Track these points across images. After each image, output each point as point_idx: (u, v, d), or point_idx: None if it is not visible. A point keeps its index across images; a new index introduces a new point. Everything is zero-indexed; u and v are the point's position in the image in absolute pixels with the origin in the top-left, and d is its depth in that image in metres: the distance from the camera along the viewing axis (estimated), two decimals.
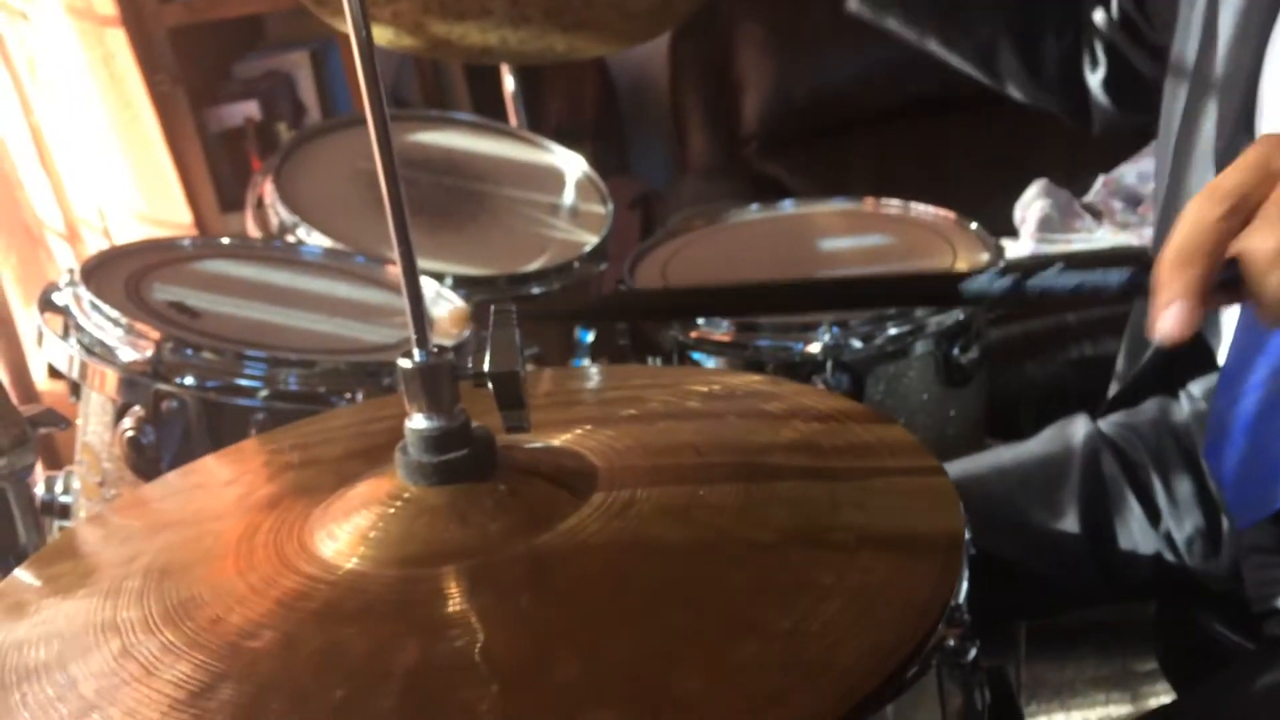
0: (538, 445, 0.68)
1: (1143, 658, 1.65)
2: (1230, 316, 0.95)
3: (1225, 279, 0.57)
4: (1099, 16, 1.16)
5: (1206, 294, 0.56)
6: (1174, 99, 1.00)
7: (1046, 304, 0.58)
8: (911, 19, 1.20)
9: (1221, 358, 0.99)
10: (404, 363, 0.62)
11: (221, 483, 0.79)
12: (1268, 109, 0.90)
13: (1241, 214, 0.57)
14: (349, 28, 0.59)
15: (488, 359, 0.62)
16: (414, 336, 0.62)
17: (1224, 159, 0.94)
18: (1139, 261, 0.59)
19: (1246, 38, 0.90)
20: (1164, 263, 0.57)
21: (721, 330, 1.26)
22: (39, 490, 1.16)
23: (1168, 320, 0.57)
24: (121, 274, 1.13)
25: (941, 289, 0.64)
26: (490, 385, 0.62)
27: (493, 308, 0.64)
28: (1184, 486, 0.99)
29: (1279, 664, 0.82)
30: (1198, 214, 0.57)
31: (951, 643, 0.54)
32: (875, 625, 0.50)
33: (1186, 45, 0.99)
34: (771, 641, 0.50)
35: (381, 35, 1.50)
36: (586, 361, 1.41)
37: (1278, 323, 0.57)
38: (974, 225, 1.38)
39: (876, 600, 0.52)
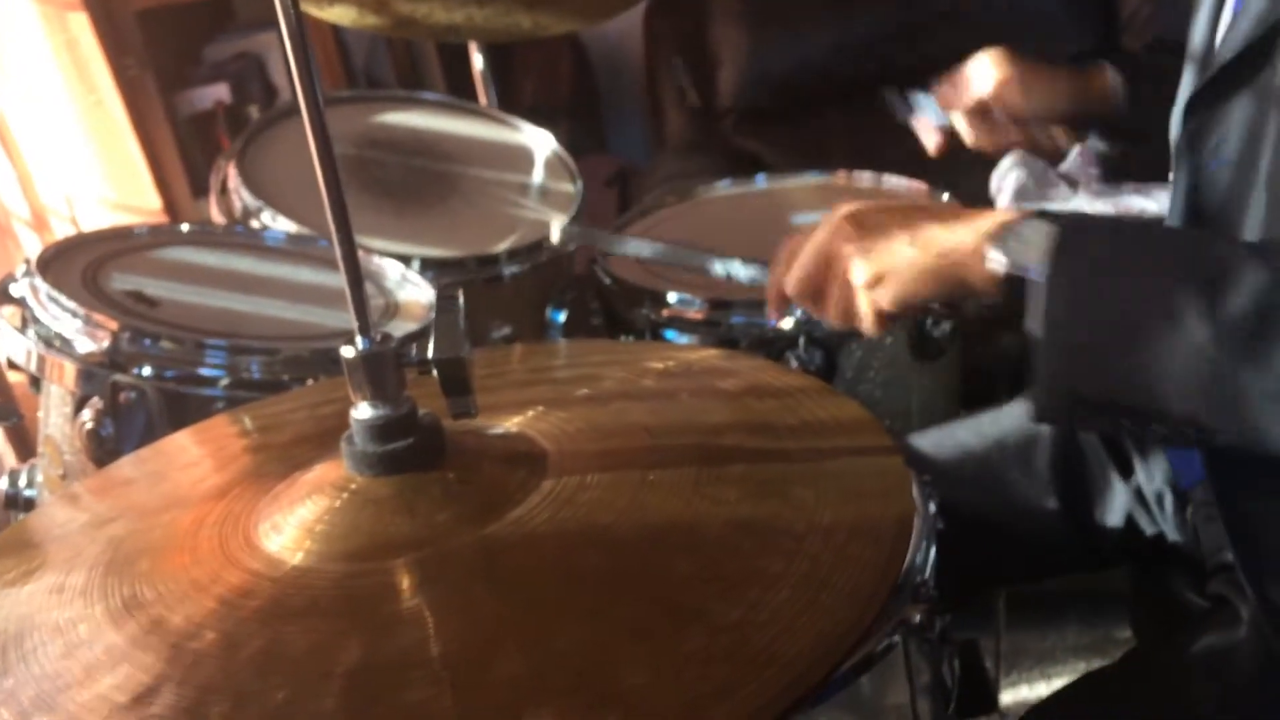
0: (488, 430, 0.67)
1: (1123, 625, 1.64)
2: None
3: None
4: None
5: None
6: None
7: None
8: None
9: None
10: (347, 351, 0.61)
11: (177, 467, 0.78)
12: None
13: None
14: (278, 10, 0.57)
15: (431, 345, 0.61)
16: (355, 324, 0.61)
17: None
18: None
19: (1210, 19, 0.90)
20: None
21: (694, 308, 1.24)
22: (2, 483, 1.15)
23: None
24: (79, 264, 1.11)
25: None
26: (435, 372, 0.61)
27: (438, 293, 0.62)
28: (1155, 446, 0.99)
29: (1217, 626, 0.82)
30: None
31: (918, 618, 0.53)
32: (822, 613, 0.49)
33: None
34: (719, 633, 0.49)
35: (345, 14, 1.47)
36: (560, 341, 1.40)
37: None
38: (945, 196, 1.37)
39: (824, 588, 0.51)
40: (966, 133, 1.18)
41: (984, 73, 1.14)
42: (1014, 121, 1.14)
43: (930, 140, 1.21)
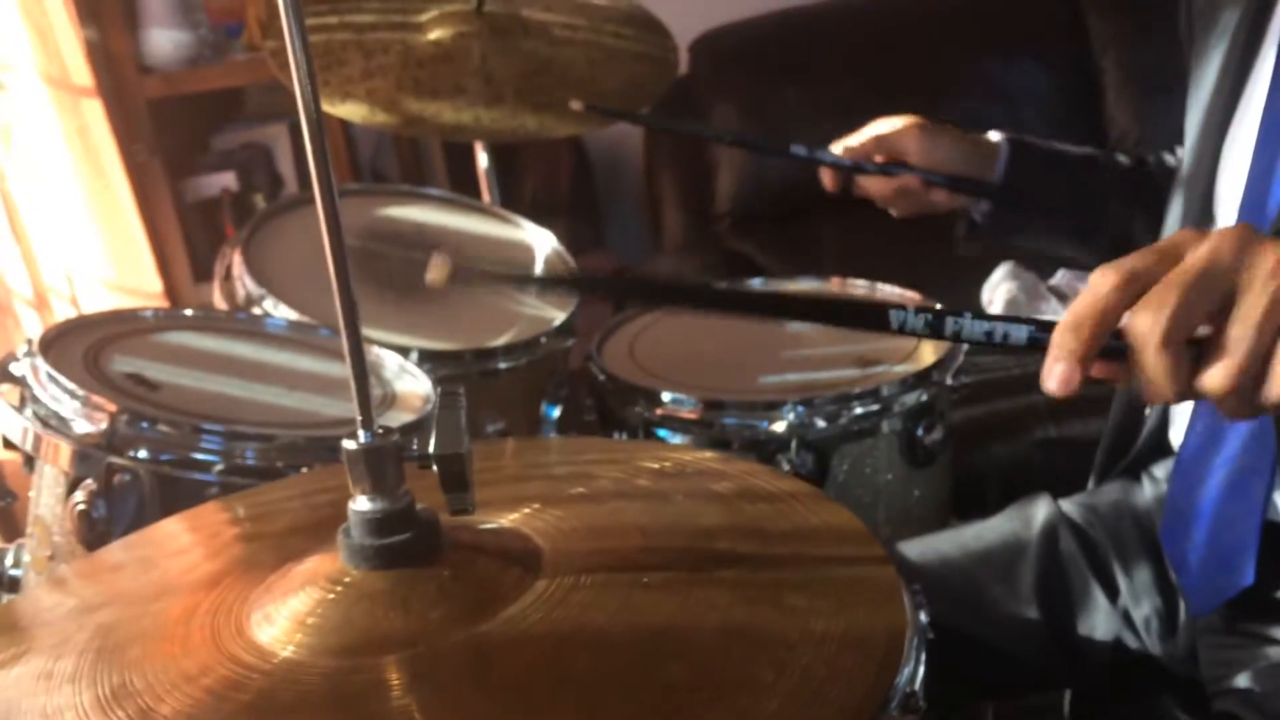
0: (484, 526, 0.67)
1: None
2: (1184, 405, 0.96)
3: (1111, 347, 0.61)
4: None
5: (1089, 359, 0.60)
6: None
7: (966, 344, 0.72)
8: (1043, 232, 1.28)
9: (1177, 443, 0.99)
10: (348, 444, 0.62)
11: (167, 554, 0.78)
12: (1224, 202, 0.93)
13: (1134, 289, 0.60)
14: (300, 108, 0.59)
15: (433, 441, 0.62)
16: (359, 418, 0.62)
17: None
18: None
19: (1207, 137, 0.93)
20: (1060, 324, 0.61)
21: (688, 408, 1.26)
22: None
23: (1050, 377, 0.61)
24: (81, 345, 1.12)
25: (870, 315, 0.69)
26: (435, 467, 0.62)
27: (439, 390, 0.64)
28: (1142, 569, 1.00)
29: None
30: (1094, 285, 0.61)
31: None
32: None
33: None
34: None
35: (356, 111, 1.51)
36: (553, 435, 1.41)
37: (1156, 398, 0.61)
38: (938, 307, 1.39)
39: (814, 700, 0.51)
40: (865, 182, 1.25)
41: (891, 122, 1.22)
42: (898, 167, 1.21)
43: (827, 177, 1.29)
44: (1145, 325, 0.59)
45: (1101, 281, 0.60)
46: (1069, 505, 1.06)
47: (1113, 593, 1.00)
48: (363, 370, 0.62)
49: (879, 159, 1.23)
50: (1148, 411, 1.03)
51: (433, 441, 0.62)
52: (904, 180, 1.22)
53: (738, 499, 0.70)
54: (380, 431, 0.62)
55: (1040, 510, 1.06)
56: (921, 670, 0.57)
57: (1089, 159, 1.26)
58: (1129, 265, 0.60)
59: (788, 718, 0.50)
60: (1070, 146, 1.27)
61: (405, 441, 0.62)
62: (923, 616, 0.62)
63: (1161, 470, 1.05)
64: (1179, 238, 0.61)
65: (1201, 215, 0.96)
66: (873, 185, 1.24)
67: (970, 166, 1.20)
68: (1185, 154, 0.99)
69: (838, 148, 1.27)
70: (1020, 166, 1.20)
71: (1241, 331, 0.57)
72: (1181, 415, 0.99)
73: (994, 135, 1.23)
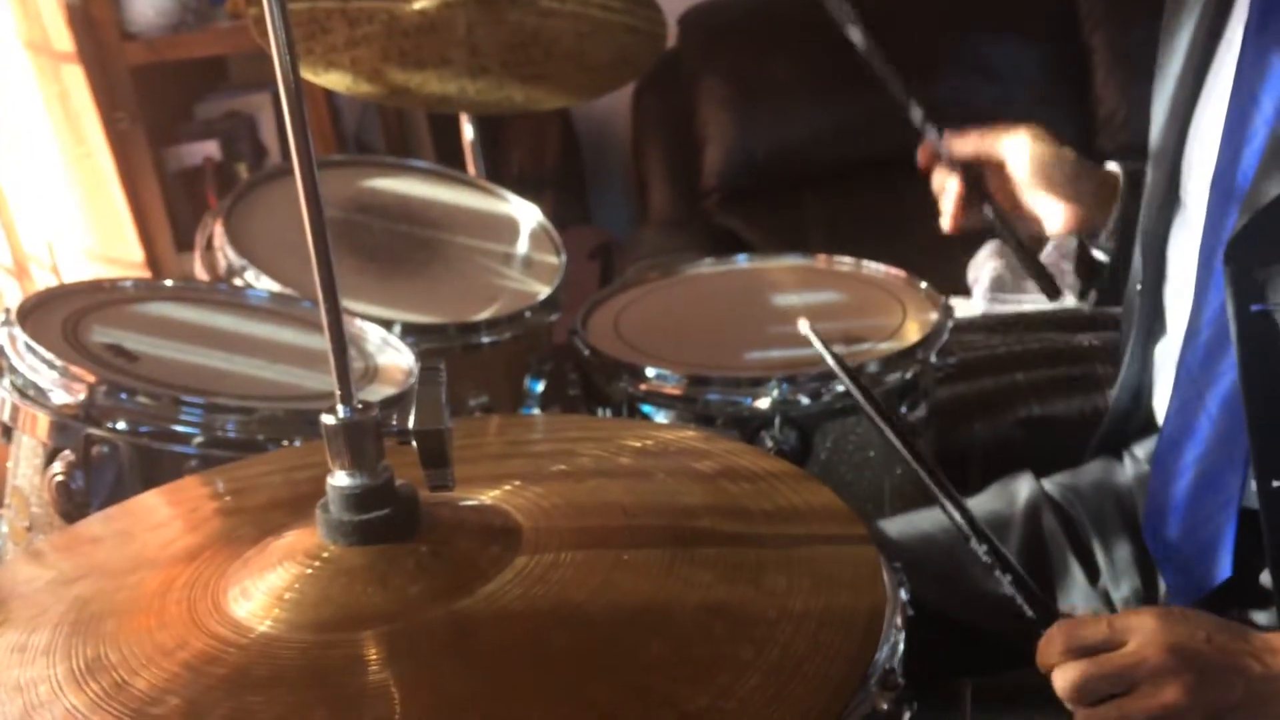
0: (464, 503, 0.67)
1: None
2: (1167, 385, 0.96)
3: None
4: None
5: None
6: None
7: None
8: None
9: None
10: (327, 419, 0.61)
11: (146, 528, 0.77)
12: (1193, 178, 0.93)
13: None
14: (278, 77, 0.58)
15: (413, 416, 0.61)
16: (338, 392, 0.61)
17: (1152, 225, 0.97)
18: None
19: (1175, 113, 0.93)
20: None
21: (672, 384, 1.25)
22: None
23: None
24: (60, 315, 1.11)
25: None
26: (415, 443, 0.61)
27: (419, 365, 0.63)
28: (1122, 549, 1.00)
29: None
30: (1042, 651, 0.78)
31: (885, 706, 0.53)
32: (791, 703, 0.49)
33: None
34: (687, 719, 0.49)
35: (340, 81, 1.49)
36: (536, 411, 1.40)
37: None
38: (924, 284, 1.39)
39: (794, 677, 0.51)
40: (943, 197, 1.13)
41: (1012, 136, 1.09)
42: (999, 192, 1.09)
43: (923, 155, 1.15)
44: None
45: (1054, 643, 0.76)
46: (1050, 484, 1.07)
47: (1093, 571, 1.00)
48: (342, 345, 0.61)
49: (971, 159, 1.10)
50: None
51: (412, 417, 0.61)
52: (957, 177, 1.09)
53: (720, 478, 0.70)
54: (359, 407, 0.61)
55: (1023, 489, 1.06)
56: (901, 647, 0.58)
57: None
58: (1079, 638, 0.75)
59: (767, 695, 0.50)
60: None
61: (385, 417, 0.62)
62: (903, 594, 0.62)
63: (1143, 450, 1.05)
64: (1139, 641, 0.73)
65: (1169, 190, 0.95)
66: (947, 184, 1.12)
67: (1077, 193, 1.06)
68: (1153, 129, 0.98)
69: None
70: (1129, 214, 1.04)
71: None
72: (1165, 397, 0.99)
73: (1112, 165, 1.08)
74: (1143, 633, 0.73)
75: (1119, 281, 1.09)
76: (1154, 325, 1.01)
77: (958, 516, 0.80)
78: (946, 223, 1.13)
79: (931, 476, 0.82)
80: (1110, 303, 1.14)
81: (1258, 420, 0.81)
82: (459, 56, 1.50)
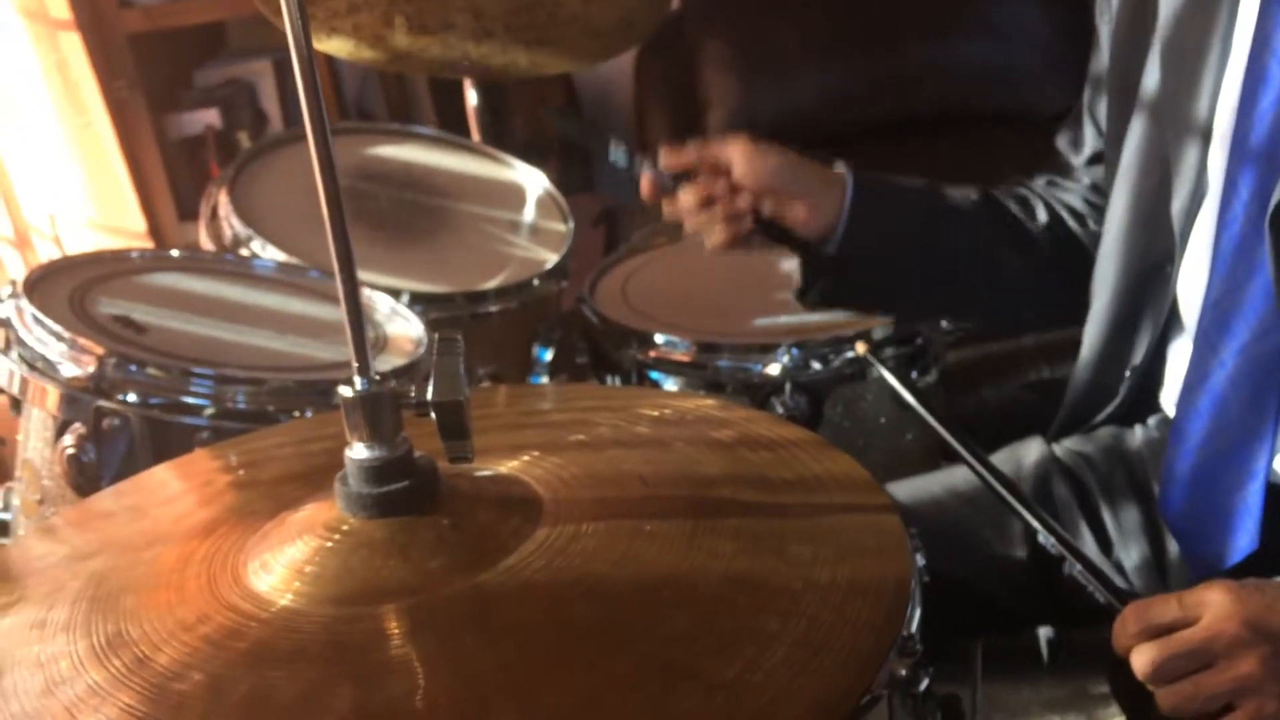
0: (483, 474, 0.67)
1: (1099, 680, 1.64)
2: (1177, 365, 0.96)
3: None
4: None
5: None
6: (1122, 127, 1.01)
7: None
8: (902, 290, 1.12)
9: (1167, 404, 0.99)
10: (345, 391, 0.61)
11: (158, 502, 0.77)
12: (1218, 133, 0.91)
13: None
14: (290, 42, 0.57)
15: (431, 388, 0.61)
16: (355, 364, 0.60)
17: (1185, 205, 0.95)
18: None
19: (1196, 98, 0.91)
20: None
21: (681, 350, 1.25)
22: None
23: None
24: (66, 287, 1.10)
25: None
26: (433, 415, 0.61)
27: (436, 335, 0.62)
28: (1132, 515, 0.99)
29: None
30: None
31: (903, 672, 0.53)
32: (818, 676, 0.49)
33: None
34: (713, 693, 0.49)
35: (342, 47, 1.48)
36: (544, 379, 1.40)
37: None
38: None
39: (821, 649, 0.50)
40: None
41: (728, 143, 1.07)
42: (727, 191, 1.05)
43: (645, 187, 1.09)
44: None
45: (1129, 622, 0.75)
46: (1060, 449, 1.06)
47: (1103, 539, 1.00)
48: (359, 316, 0.60)
49: (702, 174, 1.06)
50: (1127, 373, 1.01)
51: (430, 388, 0.60)
52: (711, 188, 1.05)
53: (739, 446, 0.69)
54: (377, 378, 0.61)
55: (1032, 453, 1.06)
56: (918, 613, 0.57)
57: (971, 204, 1.13)
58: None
59: (795, 667, 0.50)
60: (954, 189, 1.13)
61: (403, 388, 0.61)
62: (919, 559, 0.62)
63: (1154, 416, 1.04)
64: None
65: (1199, 169, 0.93)
66: (684, 201, 1.07)
67: (806, 190, 1.06)
68: (1153, 82, 0.96)
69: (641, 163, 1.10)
70: (865, 207, 1.05)
71: None
72: (1172, 380, 0.98)
73: (839, 166, 1.09)
74: (1214, 607, 0.73)
75: (846, 282, 1.07)
76: (1162, 308, 0.98)
77: (1028, 516, 0.83)
78: (716, 238, 1.07)
79: (1013, 492, 0.85)
80: (835, 303, 1.11)
81: None
82: (463, 21, 1.48)
